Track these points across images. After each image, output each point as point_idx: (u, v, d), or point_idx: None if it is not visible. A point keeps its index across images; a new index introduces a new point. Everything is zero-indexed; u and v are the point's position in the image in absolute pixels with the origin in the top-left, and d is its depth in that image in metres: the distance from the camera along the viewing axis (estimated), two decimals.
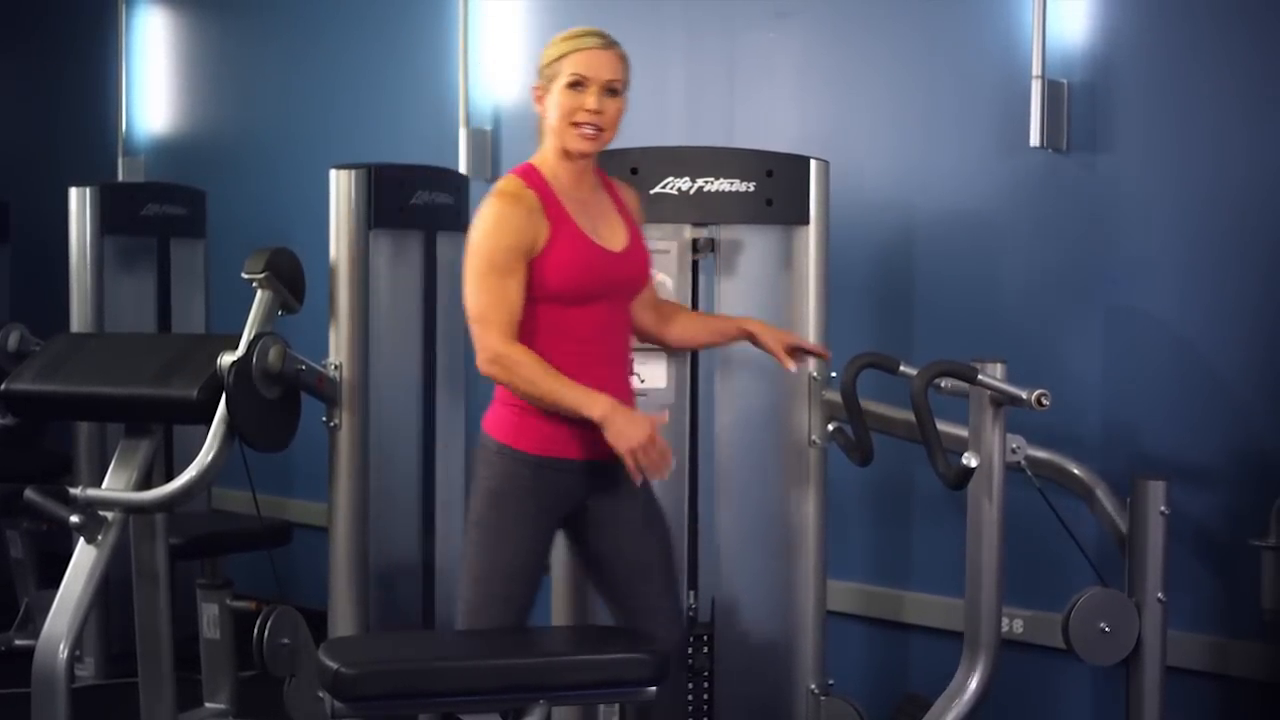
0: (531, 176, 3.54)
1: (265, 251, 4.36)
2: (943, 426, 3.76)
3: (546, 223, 3.47)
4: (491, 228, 3.44)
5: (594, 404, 3.41)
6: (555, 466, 3.50)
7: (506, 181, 3.53)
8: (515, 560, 3.50)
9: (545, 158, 3.58)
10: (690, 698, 4.00)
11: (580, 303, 3.52)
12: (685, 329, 3.88)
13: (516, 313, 3.45)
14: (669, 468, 3.44)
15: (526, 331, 3.46)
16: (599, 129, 3.53)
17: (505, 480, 3.49)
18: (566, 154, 3.55)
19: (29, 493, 4.36)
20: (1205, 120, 4.22)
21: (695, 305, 4.03)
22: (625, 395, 3.57)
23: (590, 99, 3.52)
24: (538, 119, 3.61)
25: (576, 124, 3.52)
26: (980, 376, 3.72)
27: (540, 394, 3.42)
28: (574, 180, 3.57)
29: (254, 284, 4.35)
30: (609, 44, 3.59)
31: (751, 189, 3.98)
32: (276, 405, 4.32)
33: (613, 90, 3.55)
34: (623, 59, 3.61)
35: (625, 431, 3.39)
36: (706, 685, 4.01)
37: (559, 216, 3.50)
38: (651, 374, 3.99)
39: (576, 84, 3.51)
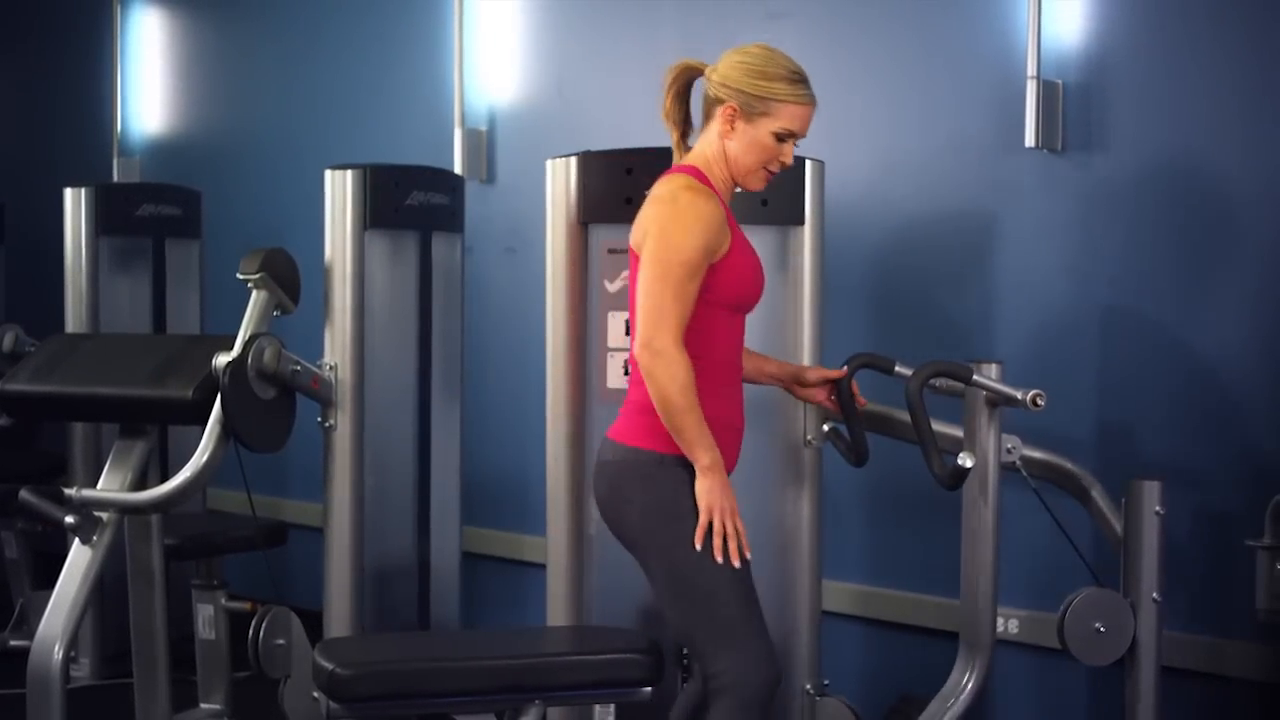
0: (704, 180, 3.47)
1: (260, 252, 4.36)
2: (938, 427, 3.76)
3: (728, 229, 3.44)
4: (692, 224, 3.36)
5: (708, 453, 3.35)
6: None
7: (691, 181, 3.44)
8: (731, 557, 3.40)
9: (710, 168, 3.50)
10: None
11: (738, 313, 3.51)
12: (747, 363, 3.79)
13: (689, 314, 3.37)
14: (739, 548, 3.35)
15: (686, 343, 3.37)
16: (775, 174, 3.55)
17: (679, 488, 3.39)
18: (740, 186, 3.54)
19: (24, 493, 4.35)
20: (1200, 120, 4.22)
21: None
22: (741, 420, 3.55)
23: (789, 154, 3.51)
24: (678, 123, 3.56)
25: (768, 170, 3.51)
26: (975, 377, 3.73)
27: (677, 408, 3.32)
28: (728, 196, 3.54)
29: (249, 284, 4.34)
30: (814, 98, 3.54)
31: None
32: (272, 406, 4.32)
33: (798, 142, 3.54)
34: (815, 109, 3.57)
35: (716, 492, 3.35)
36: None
37: (733, 224, 3.49)
38: None
39: (786, 137, 3.49)
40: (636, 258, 3.44)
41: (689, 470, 3.38)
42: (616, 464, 3.46)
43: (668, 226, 3.36)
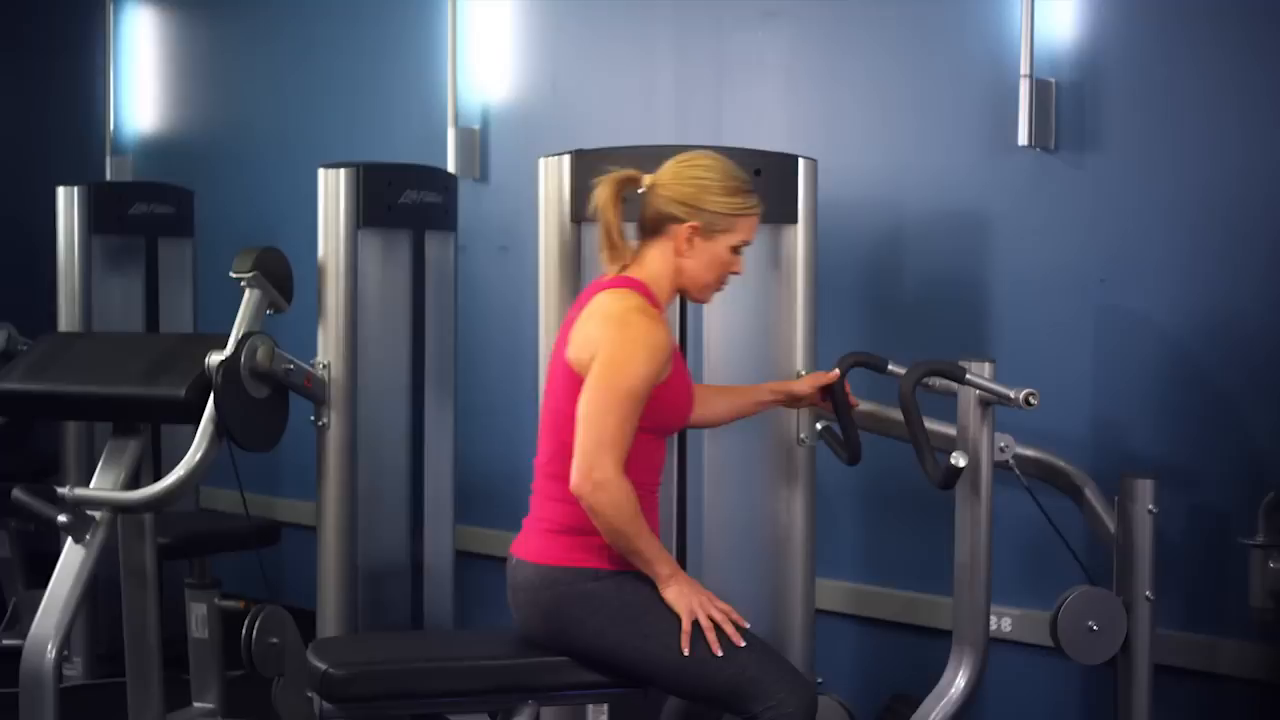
0: (653, 299, 3.42)
1: (253, 251, 4.35)
2: (931, 425, 3.76)
3: (672, 355, 3.40)
4: (644, 354, 3.29)
5: (663, 564, 3.32)
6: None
7: (643, 303, 3.37)
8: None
9: (658, 282, 3.45)
10: None
11: (661, 436, 3.48)
12: (713, 408, 3.77)
13: (630, 444, 3.30)
14: (735, 626, 3.31)
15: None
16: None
17: (624, 591, 3.35)
18: (684, 295, 3.53)
19: (16, 492, 4.34)
20: (1193, 119, 4.22)
21: (684, 305, 4.02)
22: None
23: (740, 264, 3.51)
24: (610, 238, 3.47)
25: (720, 284, 3.51)
26: (968, 375, 3.73)
27: (627, 533, 3.27)
28: (667, 305, 3.50)
29: (242, 283, 4.34)
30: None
31: None
32: (265, 404, 4.31)
33: None
34: None
35: (687, 595, 3.30)
36: None
37: (675, 349, 3.44)
38: None
39: (739, 249, 3.47)
40: (568, 368, 3.37)
41: (625, 574, 3.35)
42: (548, 592, 3.37)
43: (618, 354, 3.28)
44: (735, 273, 3.50)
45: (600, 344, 3.31)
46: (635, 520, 3.28)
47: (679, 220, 3.42)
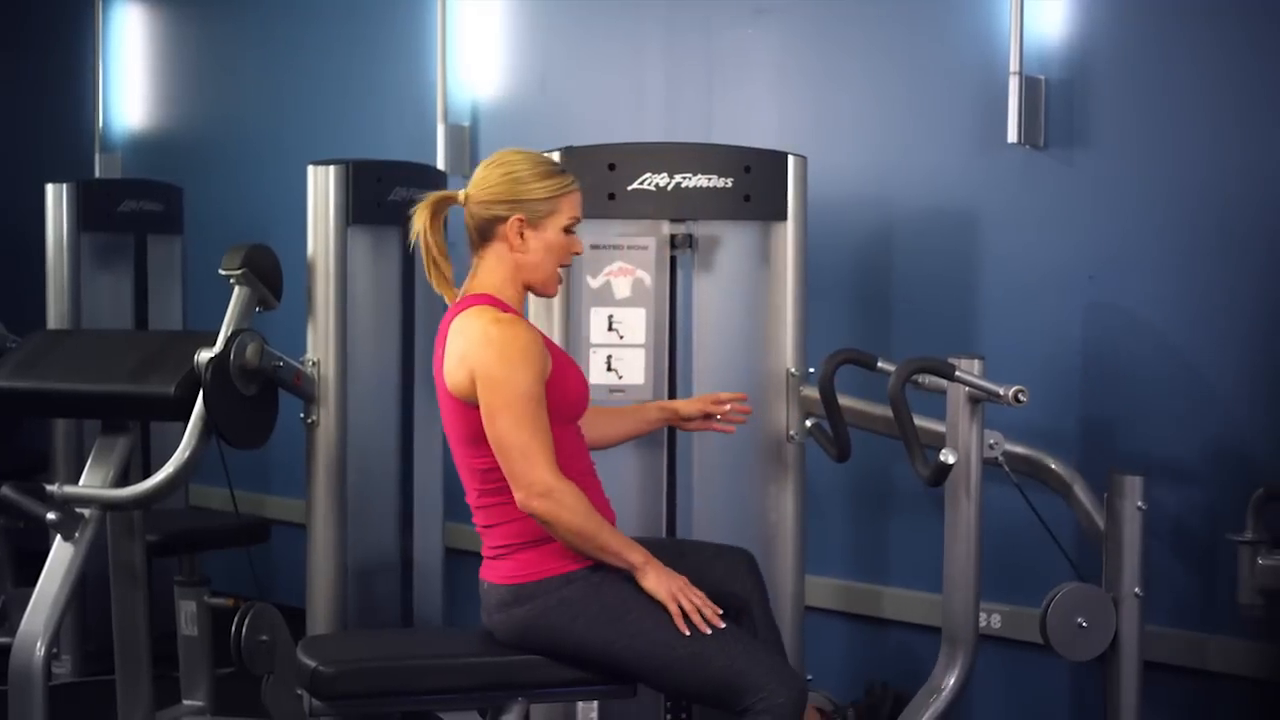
0: (503, 306, 3.41)
1: (243, 247, 4.35)
2: (921, 422, 3.76)
3: (547, 349, 3.39)
4: (518, 355, 3.28)
5: (634, 552, 3.33)
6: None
7: (496, 312, 3.36)
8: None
9: (503, 289, 3.44)
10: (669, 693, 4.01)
11: (572, 423, 3.47)
12: (602, 428, 3.76)
13: (553, 445, 3.30)
14: (710, 615, 3.31)
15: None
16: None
17: (602, 591, 3.34)
18: (539, 293, 3.51)
19: (5, 490, 4.34)
20: (1182, 116, 4.23)
21: (673, 302, 4.03)
22: (610, 512, 3.49)
23: (578, 243, 3.49)
24: (432, 258, 3.50)
25: (564, 266, 3.49)
26: (958, 373, 3.73)
27: (589, 535, 3.28)
28: (520, 309, 3.50)
29: (231, 280, 4.33)
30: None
31: (729, 185, 3.98)
32: (254, 402, 4.31)
33: None
34: None
35: (664, 580, 3.31)
36: None
37: (545, 338, 3.45)
38: (629, 370, 3.99)
39: (573, 227, 3.46)
40: (452, 399, 3.37)
41: (597, 570, 3.35)
42: (524, 607, 3.36)
43: (496, 370, 3.28)
44: (576, 253, 3.50)
45: (475, 367, 3.30)
46: (591, 516, 3.30)
47: (503, 219, 3.41)
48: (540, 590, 3.35)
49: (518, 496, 3.27)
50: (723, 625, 3.31)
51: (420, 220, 3.47)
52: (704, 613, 3.30)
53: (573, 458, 3.42)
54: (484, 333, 3.32)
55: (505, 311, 3.39)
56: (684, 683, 3.33)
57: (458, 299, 3.47)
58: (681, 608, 3.29)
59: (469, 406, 3.34)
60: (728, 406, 3.81)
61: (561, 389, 3.40)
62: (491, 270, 3.46)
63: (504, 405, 3.27)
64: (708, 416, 3.82)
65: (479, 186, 3.44)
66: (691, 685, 3.33)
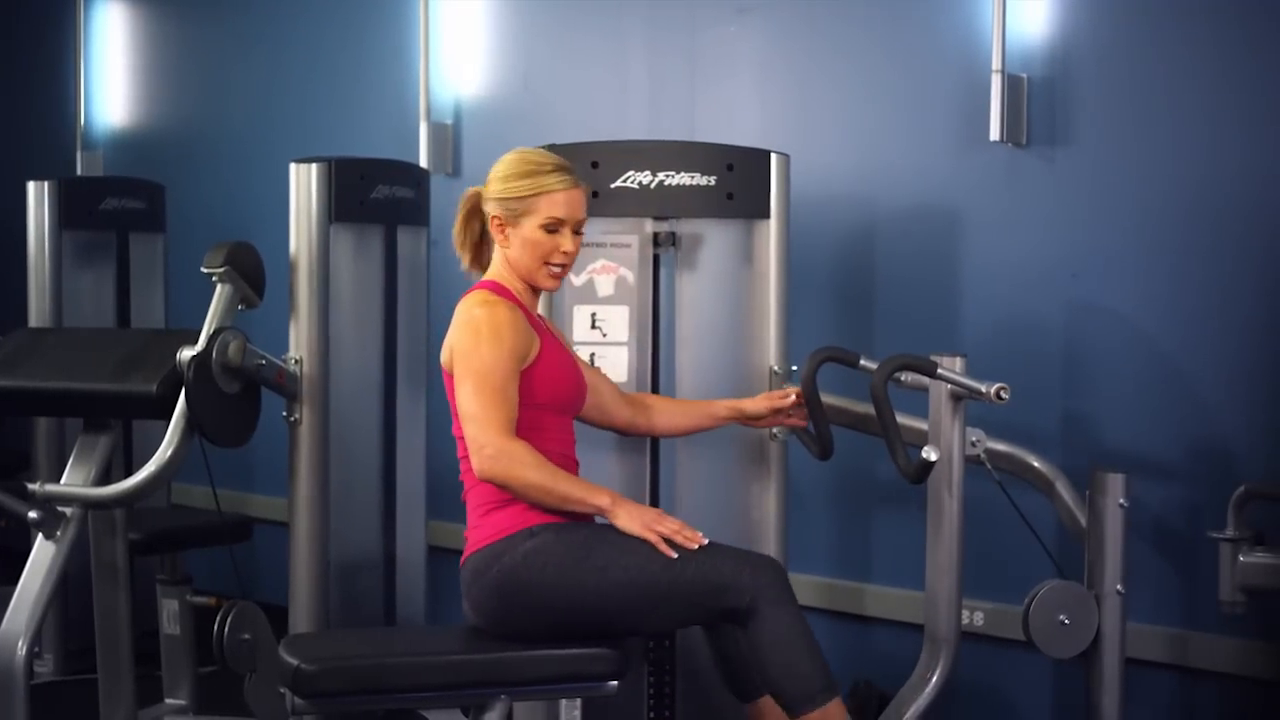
0: (506, 294, 3.53)
1: (225, 246, 4.34)
2: (903, 420, 3.77)
3: (535, 335, 3.50)
4: (490, 334, 3.41)
5: (599, 494, 3.40)
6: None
7: (488, 295, 3.51)
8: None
9: (508, 280, 3.58)
10: (652, 692, 4.01)
11: (563, 415, 3.56)
12: (673, 417, 3.88)
13: (514, 415, 3.39)
14: (692, 536, 3.37)
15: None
16: (566, 268, 3.58)
17: (561, 536, 3.38)
18: (534, 289, 3.60)
19: None
20: (1164, 114, 4.23)
21: (656, 300, 4.03)
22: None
23: (566, 242, 3.53)
24: (468, 246, 3.69)
25: (551, 263, 3.54)
26: (940, 370, 3.73)
27: (547, 487, 3.35)
28: (531, 303, 3.61)
29: (213, 278, 4.33)
30: (577, 180, 3.56)
31: (712, 183, 3.98)
32: (236, 400, 4.30)
33: (580, 229, 3.57)
34: (586, 193, 3.60)
35: (636, 514, 3.38)
36: (668, 680, 4.02)
37: (541, 330, 3.57)
38: (612, 368, 3.99)
39: (556, 227, 3.51)
40: (446, 377, 3.53)
41: (559, 522, 3.40)
42: (493, 569, 3.39)
43: (467, 343, 3.42)
44: (565, 251, 3.54)
45: (453, 343, 3.48)
46: (544, 467, 3.36)
47: (490, 215, 3.58)
48: (506, 547, 3.39)
49: (474, 463, 3.37)
50: (706, 542, 3.38)
51: (461, 213, 3.69)
52: (684, 534, 3.37)
53: (559, 443, 3.51)
54: (467, 314, 3.47)
55: (501, 295, 3.51)
56: (665, 603, 3.37)
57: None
58: (662, 536, 3.36)
59: (453, 379, 3.48)
60: (792, 398, 3.87)
61: (549, 378, 3.49)
62: (495, 260, 3.63)
63: (464, 375, 3.40)
64: (776, 412, 3.89)
65: (487, 183, 3.60)
66: (674, 602, 3.37)
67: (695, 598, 3.36)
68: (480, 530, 3.46)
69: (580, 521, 3.44)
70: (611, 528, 3.40)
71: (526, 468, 3.34)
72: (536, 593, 3.37)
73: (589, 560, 3.35)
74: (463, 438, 3.46)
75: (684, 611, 3.43)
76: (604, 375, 3.88)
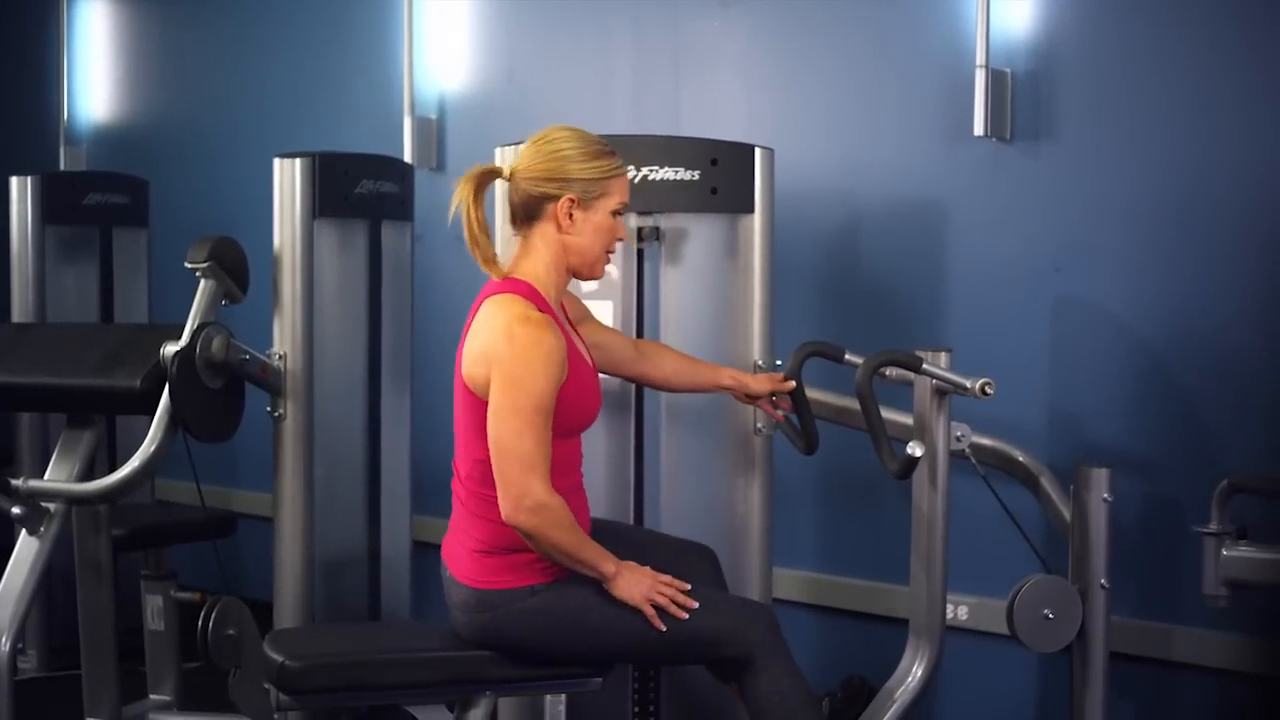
0: (539, 300, 3.33)
1: (208, 241, 4.33)
2: (888, 415, 3.77)
3: (567, 354, 3.30)
4: (539, 364, 3.20)
5: (607, 562, 3.30)
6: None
7: (527, 308, 3.27)
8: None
9: (542, 275, 3.38)
10: (636, 688, 4.00)
11: (574, 435, 3.43)
12: (678, 375, 3.79)
13: (550, 455, 3.25)
14: (689, 605, 3.32)
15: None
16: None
17: (564, 599, 3.33)
18: (584, 276, 3.46)
19: None
20: (1149, 109, 4.24)
21: (640, 295, 4.02)
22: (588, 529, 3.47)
23: (622, 227, 3.45)
24: (474, 233, 3.33)
25: (610, 251, 3.44)
26: (925, 365, 3.74)
27: (567, 551, 3.25)
28: (558, 304, 3.45)
29: (197, 273, 4.32)
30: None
31: (696, 177, 3.97)
32: (220, 395, 4.29)
33: None
34: None
35: (634, 583, 3.31)
36: (653, 674, 4.01)
37: (570, 344, 3.36)
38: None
39: (620, 212, 3.42)
40: (465, 388, 3.33)
41: (559, 582, 3.34)
42: (486, 615, 3.35)
43: (514, 369, 3.20)
44: (620, 239, 3.45)
45: (492, 363, 3.23)
46: (573, 534, 3.26)
47: (553, 197, 3.35)
48: (503, 600, 3.33)
49: (504, 505, 3.21)
50: (696, 605, 3.32)
51: (463, 194, 3.34)
52: (678, 602, 3.31)
53: (568, 471, 3.40)
54: (508, 330, 3.23)
55: (537, 307, 3.31)
56: (661, 657, 3.41)
57: (498, 280, 3.39)
58: (657, 606, 3.31)
59: (480, 400, 3.28)
60: (792, 384, 3.82)
61: (575, 401, 3.34)
62: (537, 249, 3.39)
63: (512, 409, 3.20)
64: (775, 396, 3.85)
65: (527, 163, 3.37)
66: (669, 656, 3.40)
67: (691, 651, 3.36)
68: (473, 566, 3.37)
69: (575, 581, 3.35)
70: (605, 592, 3.36)
71: (560, 530, 3.22)
72: (525, 644, 3.36)
73: (586, 622, 3.33)
74: (478, 459, 3.31)
75: (676, 661, 3.49)
76: (613, 331, 3.79)
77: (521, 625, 3.33)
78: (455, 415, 3.42)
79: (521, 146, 3.47)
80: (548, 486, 3.21)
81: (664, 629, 3.29)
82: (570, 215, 3.35)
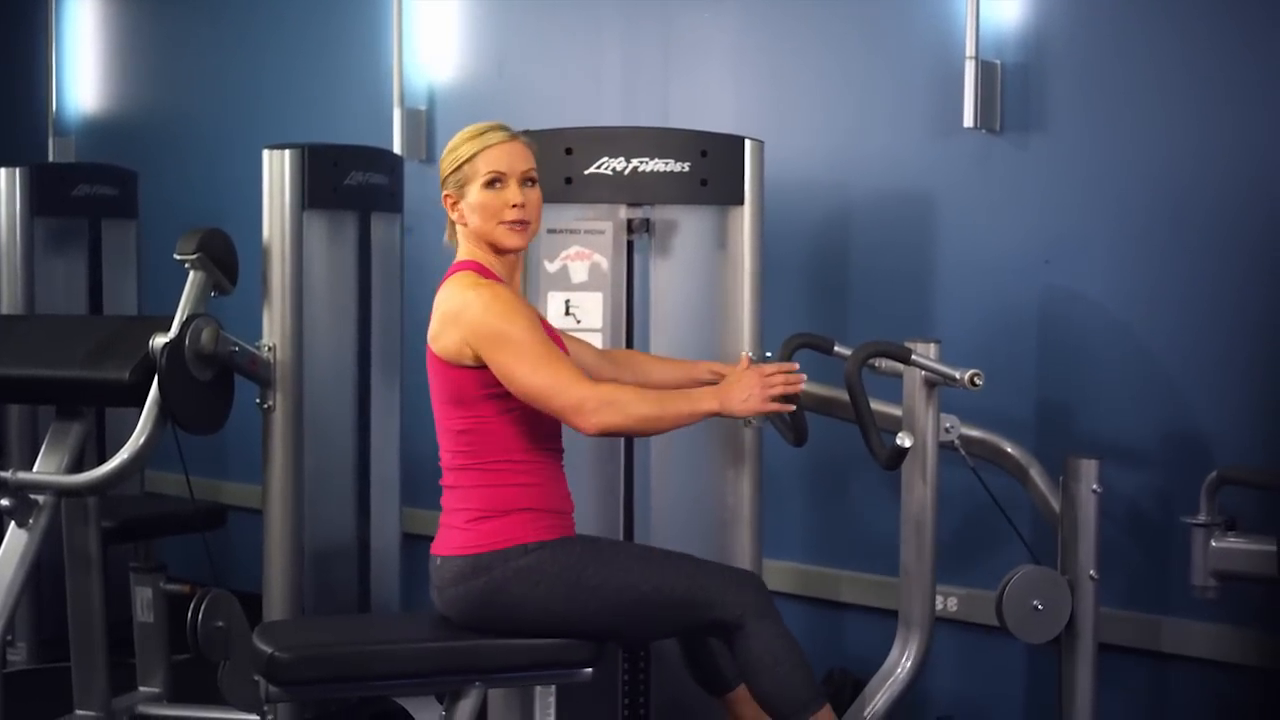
0: (487, 273, 3.47)
1: (198, 232, 4.32)
2: (877, 406, 3.77)
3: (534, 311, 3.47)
4: (508, 309, 3.35)
5: (706, 399, 3.43)
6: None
7: (477, 278, 3.43)
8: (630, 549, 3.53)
9: (481, 256, 3.51)
10: (626, 679, 4.01)
11: None
12: (664, 374, 3.82)
13: (575, 363, 3.40)
14: (798, 379, 3.52)
15: (504, 442, 3.40)
16: (525, 222, 3.49)
17: (557, 557, 3.38)
18: (500, 250, 3.51)
19: None
20: (1137, 100, 4.24)
21: (630, 287, 4.02)
22: (570, 503, 3.53)
23: (512, 193, 3.46)
24: (449, 222, 3.57)
25: (505, 221, 3.47)
26: (914, 357, 3.74)
27: (657, 414, 3.37)
28: (510, 275, 3.54)
29: (186, 265, 4.31)
30: (513, 134, 3.52)
31: (686, 169, 3.97)
32: (209, 387, 4.29)
33: (530, 180, 3.50)
34: (530, 146, 3.54)
35: (744, 392, 3.45)
36: (643, 666, 4.02)
37: (536, 313, 3.52)
38: None
39: (494, 181, 3.46)
40: (439, 361, 3.44)
41: (552, 540, 3.39)
42: (480, 579, 3.37)
43: (492, 321, 3.34)
44: (515, 204, 3.46)
45: (469, 330, 3.36)
46: (648, 397, 3.39)
47: (444, 198, 3.54)
48: (498, 560, 3.36)
49: (581, 428, 3.32)
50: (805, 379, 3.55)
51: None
52: (789, 379, 3.53)
53: (545, 438, 3.47)
54: (464, 296, 3.39)
55: (484, 276, 3.45)
56: (652, 620, 3.42)
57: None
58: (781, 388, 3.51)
59: (451, 367, 3.41)
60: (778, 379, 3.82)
61: None
62: (465, 241, 3.54)
63: (514, 357, 3.32)
64: None
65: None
66: (661, 619, 3.43)
67: (683, 614, 3.41)
68: (466, 535, 3.41)
69: (571, 537, 3.44)
70: (602, 543, 3.45)
71: (635, 404, 3.34)
72: (524, 608, 3.37)
73: (581, 580, 3.37)
74: (452, 430, 3.43)
75: (670, 627, 3.50)
76: (583, 342, 3.83)
77: (518, 586, 3.35)
78: (432, 396, 3.50)
79: None
80: (588, 384, 3.33)
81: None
82: (455, 208, 3.52)
